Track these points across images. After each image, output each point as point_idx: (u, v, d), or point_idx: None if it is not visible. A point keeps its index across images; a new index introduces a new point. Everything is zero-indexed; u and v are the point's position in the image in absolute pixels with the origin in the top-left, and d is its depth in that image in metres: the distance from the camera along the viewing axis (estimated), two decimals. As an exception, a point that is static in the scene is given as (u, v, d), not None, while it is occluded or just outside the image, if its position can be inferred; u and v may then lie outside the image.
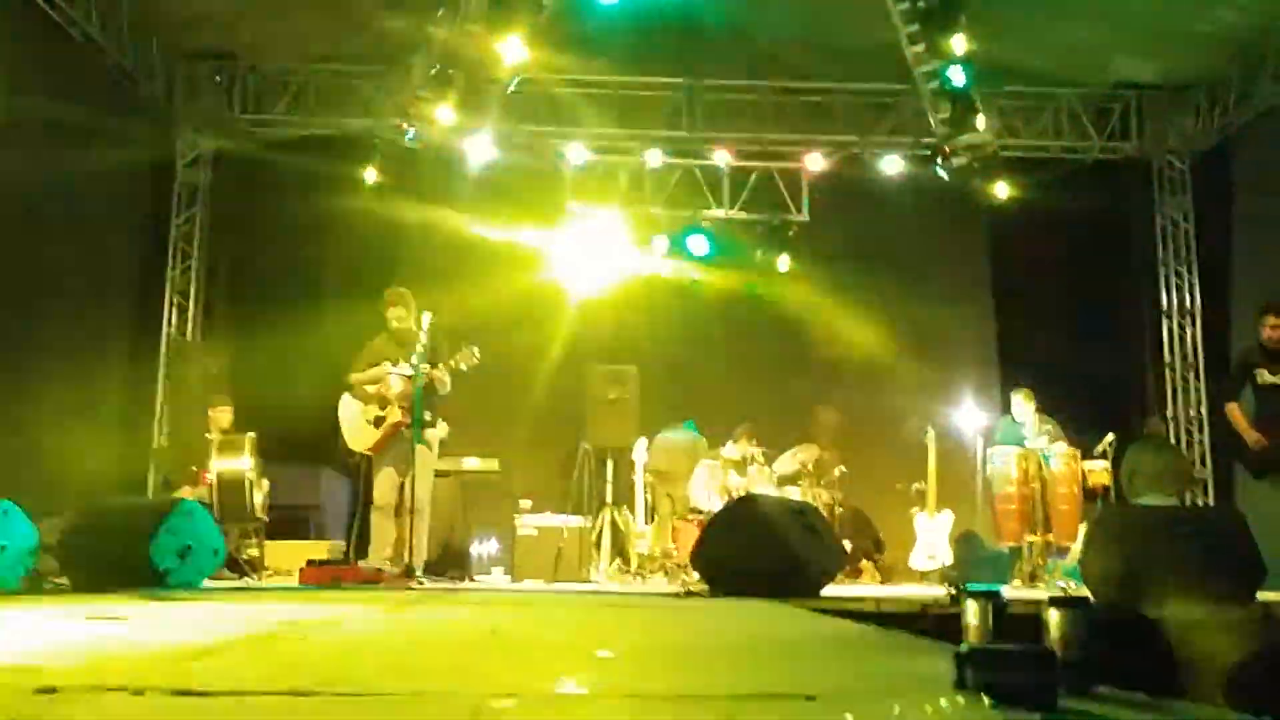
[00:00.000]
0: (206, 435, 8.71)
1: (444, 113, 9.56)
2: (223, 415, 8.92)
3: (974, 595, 2.70)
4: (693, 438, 10.11)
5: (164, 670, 2.35)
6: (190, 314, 10.90)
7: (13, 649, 2.79)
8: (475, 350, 7.58)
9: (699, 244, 11.29)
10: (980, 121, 9.41)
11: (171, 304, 10.81)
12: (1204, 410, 10.86)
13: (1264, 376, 7.55)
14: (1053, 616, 2.40)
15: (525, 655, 3.00)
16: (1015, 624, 2.67)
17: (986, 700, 1.90)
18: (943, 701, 1.93)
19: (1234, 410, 7.69)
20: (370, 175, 10.37)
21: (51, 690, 1.96)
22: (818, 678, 2.55)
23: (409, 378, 7.30)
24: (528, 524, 9.19)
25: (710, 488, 9.56)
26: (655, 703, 2.17)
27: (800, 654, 3.21)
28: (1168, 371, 11.15)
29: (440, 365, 7.39)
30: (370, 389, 7.59)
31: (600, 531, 9.15)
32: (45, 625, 3.64)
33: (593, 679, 2.45)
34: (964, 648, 2.10)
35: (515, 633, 3.68)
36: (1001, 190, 10.63)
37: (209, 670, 2.45)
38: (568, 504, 9.35)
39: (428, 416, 7.45)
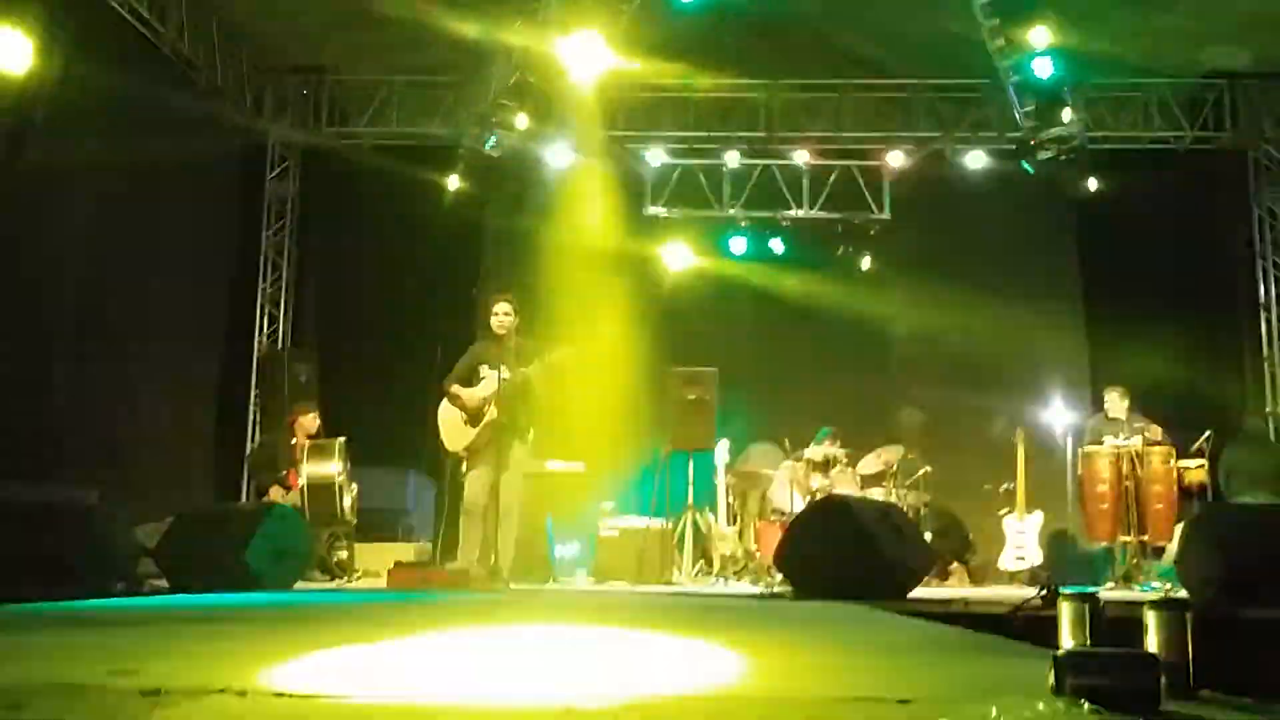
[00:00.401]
0: (294, 441, 8.88)
1: (522, 120, 9.69)
2: (310, 421, 9.09)
3: (1069, 597, 2.65)
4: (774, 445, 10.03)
5: (266, 672, 2.40)
6: (280, 321, 11.16)
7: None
8: (568, 350, 7.63)
9: (778, 245, 11.30)
10: (1067, 114, 9.22)
11: (262, 312, 11.07)
12: (1306, 407, 10.49)
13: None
14: (1152, 619, 2.34)
15: (611, 659, 3.01)
16: (1112, 626, 2.61)
17: (1087, 705, 1.86)
18: (1041, 705, 1.89)
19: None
20: (453, 182, 10.50)
21: (156, 693, 2.01)
22: (911, 681, 2.52)
23: (507, 379, 7.33)
24: (610, 526, 9.22)
25: (793, 489, 9.49)
26: (746, 704, 2.17)
27: (891, 657, 3.18)
28: (1266, 366, 10.77)
29: (535, 363, 7.41)
30: (467, 392, 7.58)
31: (682, 533, 9.13)
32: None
33: (682, 682, 2.45)
34: (1061, 651, 2.06)
35: (597, 637, 3.69)
36: (1091, 184, 10.37)
37: (309, 672, 2.50)
38: (649, 506, 9.34)
39: (524, 419, 7.48)
